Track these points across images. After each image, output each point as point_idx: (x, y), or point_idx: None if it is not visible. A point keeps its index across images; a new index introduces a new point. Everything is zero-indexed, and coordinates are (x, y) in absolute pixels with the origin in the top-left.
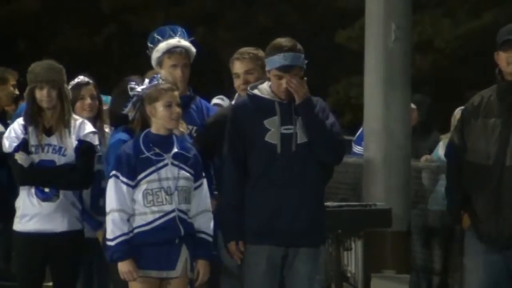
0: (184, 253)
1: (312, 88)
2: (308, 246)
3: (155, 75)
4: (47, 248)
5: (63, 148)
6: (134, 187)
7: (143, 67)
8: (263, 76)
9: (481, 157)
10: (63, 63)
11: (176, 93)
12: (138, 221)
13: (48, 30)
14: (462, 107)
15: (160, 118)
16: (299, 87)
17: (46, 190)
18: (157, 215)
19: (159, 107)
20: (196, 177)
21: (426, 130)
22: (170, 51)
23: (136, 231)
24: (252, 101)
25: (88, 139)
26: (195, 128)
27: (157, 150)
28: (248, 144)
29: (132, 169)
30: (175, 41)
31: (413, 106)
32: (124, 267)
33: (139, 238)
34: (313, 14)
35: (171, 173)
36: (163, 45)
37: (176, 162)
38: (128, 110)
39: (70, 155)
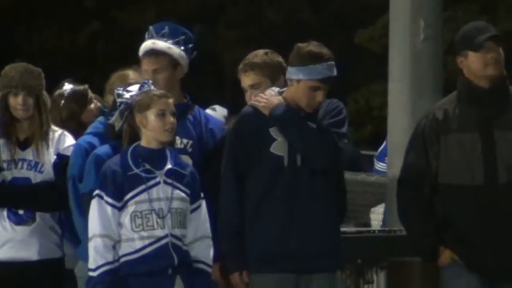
0: (179, 286)
1: (327, 97)
2: (322, 271)
3: (146, 81)
4: (21, 279)
5: (39, 163)
6: (120, 208)
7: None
8: (273, 85)
9: (464, 178)
10: (40, 65)
11: (171, 100)
12: (125, 248)
13: (23, 26)
14: None
15: (152, 129)
16: (269, 101)
17: (20, 212)
18: (147, 242)
19: (151, 116)
20: (193, 198)
21: None
22: (142, 55)
23: (122, 259)
24: (257, 109)
25: (68, 153)
26: (190, 142)
27: (148, 166)
28: (251, 157)
29: (119, 188)
30: (149, 43)
31: None
32: None
33: (126, 268)
34: (329, 10)
35: (164, 193)
36: (141, 47)
37: (169, 181)
38: (115, 120)
39: (47, 171)
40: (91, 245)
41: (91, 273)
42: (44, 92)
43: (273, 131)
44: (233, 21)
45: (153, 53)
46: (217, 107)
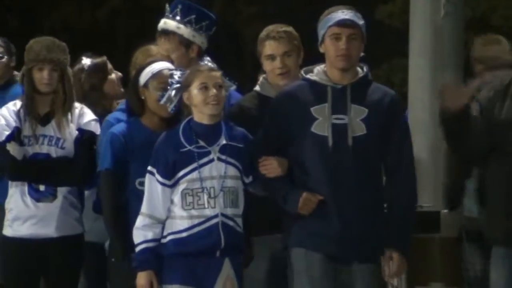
0: (226, 270)
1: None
2: (365, 261)
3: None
4: (42, 256)
5: (61, 139)
6: (172, 186)
7: None
8: (298, 57)
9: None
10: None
11: (216, 73)
12: (174, 226)
13: (43, 3)
14: None
15: (195, 103)
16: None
17: (41, 188)
18: (196, 221)
19: (194, 90)
20: (247, 173)
21: None
22: (157, 35)
23: (170, 237)
24: (302, 85)
25: (90, 128)
26: None
27: (201, 143)
28: (293, 136)
29: (170, 166)
30: (161, 23)
31: None
32: (140, 279)
33: (173, 247)
34: None
35: (217, 171)
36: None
37: (223, 157)
38: (166, 100)
39: (68, 147)
40: (137, 221)
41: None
42: (69, 67)
43: (315, 110)
44: None
45: (164, 33)
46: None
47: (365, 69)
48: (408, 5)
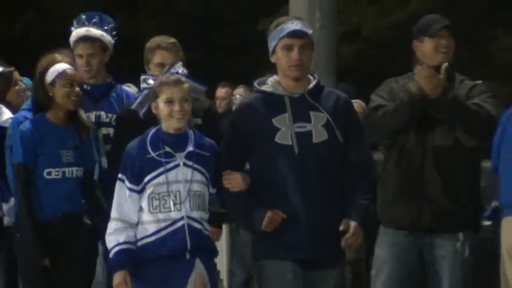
0: (198, 269)
1: (239, 79)
2: (333, 264)
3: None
4: None
5: None
6: (139, 192)
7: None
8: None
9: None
10: None
11: (183, 86)
12: (142, 231)
13: None
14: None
15: (162, 116)
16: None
17: None
18: (162, 224)
19: (161, 103)
20: (212, 183)
21: None
22: (77, 41)
23: (139, 243)
24: (259, 98)
25: (7, 125)
26: (115, 116)
27: (168, 149)
28: (258, 148)
29: (137, 172)
30: (83, 30)
31: None
32: (116, 279)
33: (143, 253)
34: (238, 2)
35: (183, 175)
36: (74, 34)
37: (189, 163)
38: (137, 105)
39: None
40: (109, 226)
41: (110, 255)
42: None
43: (277, 121)
44: (152, 11)
45: (88, 39)
46: (130, 85)
47: (315, 75)
48: None
